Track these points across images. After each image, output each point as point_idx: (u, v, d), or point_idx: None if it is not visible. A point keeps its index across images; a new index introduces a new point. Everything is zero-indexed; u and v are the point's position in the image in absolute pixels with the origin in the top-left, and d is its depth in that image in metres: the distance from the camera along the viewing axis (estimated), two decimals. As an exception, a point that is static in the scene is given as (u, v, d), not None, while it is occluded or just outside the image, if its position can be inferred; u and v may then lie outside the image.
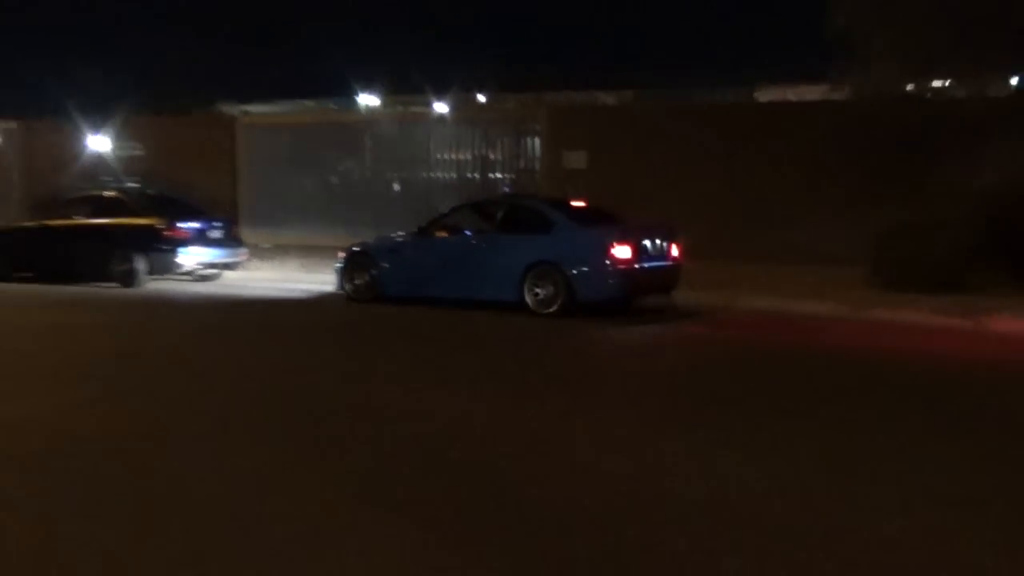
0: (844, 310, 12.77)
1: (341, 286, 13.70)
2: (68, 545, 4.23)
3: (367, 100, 26.80)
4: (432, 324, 11.82)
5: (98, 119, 23.96)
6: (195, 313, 13.18)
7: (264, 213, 22.25)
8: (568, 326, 11.40)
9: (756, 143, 18.24)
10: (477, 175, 21.15)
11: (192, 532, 4.38)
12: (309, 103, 27.14)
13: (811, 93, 19.30)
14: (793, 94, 25.43)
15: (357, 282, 13.55)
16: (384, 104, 24.78)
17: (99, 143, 23.73)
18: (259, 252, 19.58)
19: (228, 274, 16.49)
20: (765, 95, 26.26)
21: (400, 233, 14.02)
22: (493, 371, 8.82)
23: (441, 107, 22.65)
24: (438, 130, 21.36)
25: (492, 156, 21.10)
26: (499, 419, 6.75)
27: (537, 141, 20.57)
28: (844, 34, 14.98)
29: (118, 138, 23.71)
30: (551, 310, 11.93)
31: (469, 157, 21.19)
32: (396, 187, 21.68)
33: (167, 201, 16.59)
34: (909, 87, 15.87)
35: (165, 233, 15.15)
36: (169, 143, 23.00)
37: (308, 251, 19.44)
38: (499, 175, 21.04)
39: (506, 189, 20.84)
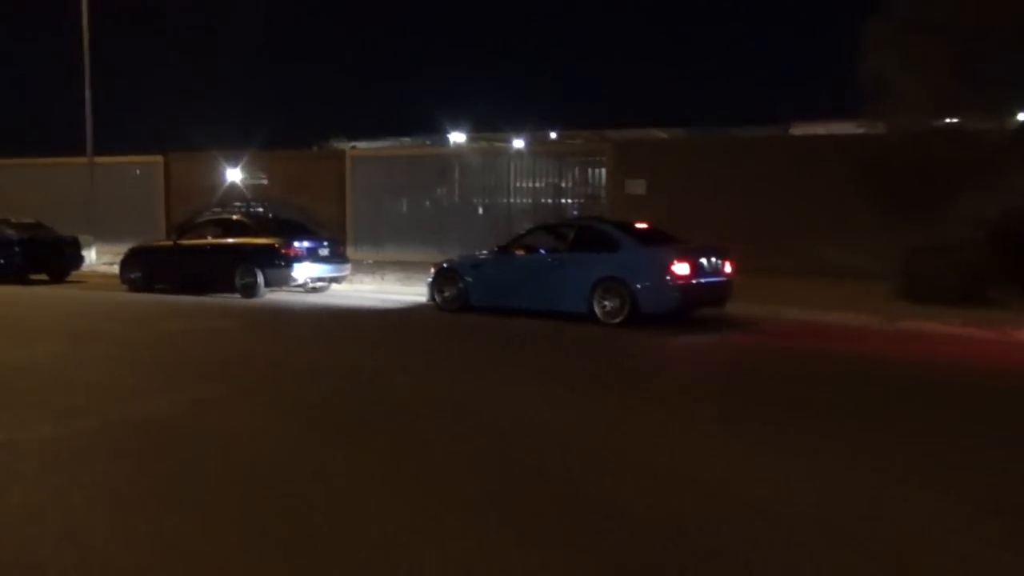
0: (878, 320, 12.12)
1: (432, 297, 13.44)
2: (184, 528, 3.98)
3: (455, 136, 26.64)
4: (511, 332, 11.46)
5: (229, 153, 24.24)
6: (306, 320, 13.04)
7: (368, 233, 22.21)
8: (632, 335, 10.95)
9: (793, 172, 17.64)
10: (550, 201, 20.80)
11: (295, 519, 4.10)
12: (407, 139, 27.17)
13: (841, 128, 18.52)
14: (824, 129, 24.51)
15: (446, 294, 13.27)
16: (470, 140, 24.56)
17: (230, 174, 23.97)
18: (363, 267, 19.50)
19: (335, 286, 16.35)
20: (799, 130, 25.40)
21: (483, 251, 13.76)
22: (567, 374, 8.43)
23: (519, 142, 22.36)
24: (516, 161, 21.08)
25: (563, 184, 20.73)
26: (574, 421, 6.38)
27: (602, 171, 20.15)
28: (876, 76, 14.43)
29: (246, 170, 23.91)
30: (617, 320, 11.50)
31: (543, 185, 20.85)
32: (480, 211, 21.42)
33: (284, 224, 16.58)
34: (932, 123, 15.11)
35: (282, 251, 15.06)
36: (289, 174, 23.15)
37: (405, 266, 19.29)
38: (569, 201, 20.65)
39: (575, 213, 20.47)
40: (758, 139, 19.19)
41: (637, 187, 19.13)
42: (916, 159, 14.47)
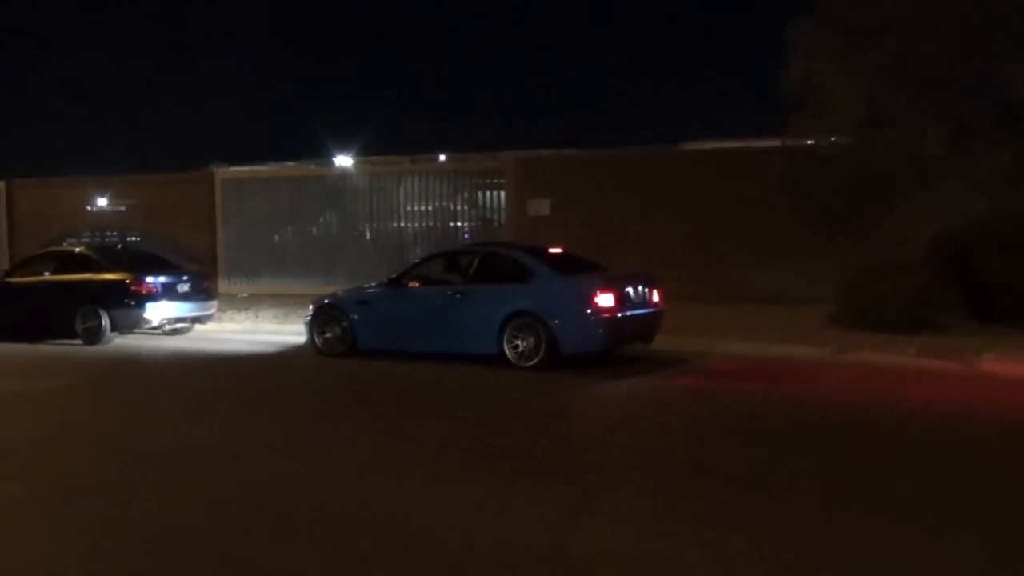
0: (825, 353, 10.68)
1: (311, 340, 11.33)
2: None
3: (342, 160, 24.32)
4: (402, 383, 9.49)
5: (89, 178, 21.42)
6: (153, 373, 10.74)
7: (242, 265, 19.78)
8: (552, 382, 9.15)
9: (711, 189, 16.27)
10: (442, 224, 18.85)
11: None
12: (291, 163, 24.70)
13: (755, 143, 17.27)
14: (736, 144, 23.43)
15: (327, 336, 11.20)
16: (357, 162, 22.21)
17: (85, 201, 21.14)
18: (235, 303, 17.13)
19: (199, 327, 13.99)
20: (708, 145, 24.26)
21: (371, 285, 11.69)
22: (469, 445, 6.52)
23: (410, 164, 20.30)
24: (407, 183, 19.08)
25: (457, 207, 18.83)
26: (485, 516, 4.48)
27: (500, 193, 18.37)
28: (803, 82, 13.18)
29: (104, 196, 21.13)
30: (533, 363, 9.70)
31: (436, 207, 18.89)
32: (368, 237, 19.29)
33: (137, 256, 14.20)
34: (866, 133, 13.93)
35: (132, 288, 12.67)
36: (155, 200, 20.51)
37: (284, 301, 17.02)
38: (464, 223, 18.77)
39: (467, 236, 18.60)
40: (671, 154, 17.69)
41: (541, 208, 17.44)
42: (847, 172, 13.26)
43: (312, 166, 23.50)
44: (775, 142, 15.07)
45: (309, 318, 11.39)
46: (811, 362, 10.34)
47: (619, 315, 9.70)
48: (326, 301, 11.40)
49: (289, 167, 19.78)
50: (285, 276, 19.36)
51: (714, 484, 5.32)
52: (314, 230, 19.68)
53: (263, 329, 14.33)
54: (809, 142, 14.15)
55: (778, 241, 15.37)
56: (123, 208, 21.16)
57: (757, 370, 9.96)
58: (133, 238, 20.14)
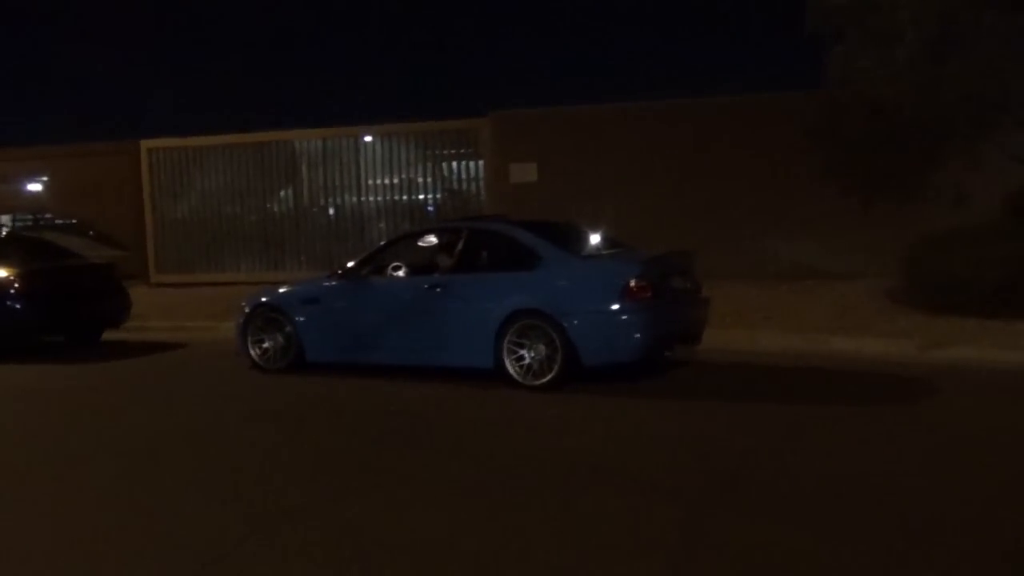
0: (910, 348, 8.21)
1: (244, 349, 8.57)
2: None
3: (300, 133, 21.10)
4: (353, 417, 6.78)
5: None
6: (29, 403, 7.92)
7: (174, 250, 16.84)
8: (578, 406, 6.53)
9: (726, 147, 13.68)
10: (411, 196, 16.08)
11: None
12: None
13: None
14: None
15: (266, 345, 8.47)
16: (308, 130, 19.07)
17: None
18: (161, 297, 14.29)
19: (110, 332, 11.13)
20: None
21: (322, 276, 8.86)
22: (474, 550, 3.86)
23: (371, 128, 17.35)
24: (368, 151, 16.23)
25: (428, 177, 16.06)
26: None
27: (479, 163, 15.64)
28: (845, 11, 10.65)
29: (10, 172, 18.03)
30: (544, 380, 7.06)
31: (404, 178, 16.09)
32: (331, 213, 16.46)
33: (27, 246, 11.27)
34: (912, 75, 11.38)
35: (13, 289, 9.79)
36: (73, 176, 17.47)
37: (223, 293, 14.20)
38: (435, 195, 16.02)
39: (430, 210, 15.89)
40: (677, 108, 14.78)
41: (526, 173, 14.74)
42: (899, 119, 10.72)
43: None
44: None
45: (241, 322, 8.63)
46: (902, 361, 7.82)
47: (660, 310, 7.06)
48: (263, 300, 8.64)
49: (229, 136, 16.79)
50: (226, 263, 16.50)
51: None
52: (260, 208, 16.77)
53: (193, 327, 11.53)
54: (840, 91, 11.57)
55: (805, 206, 12.96)
56: (38, 187, 18.11)
57: (831, 377, 7.40)
58: (62, 222, 17.13)
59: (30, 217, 17.64)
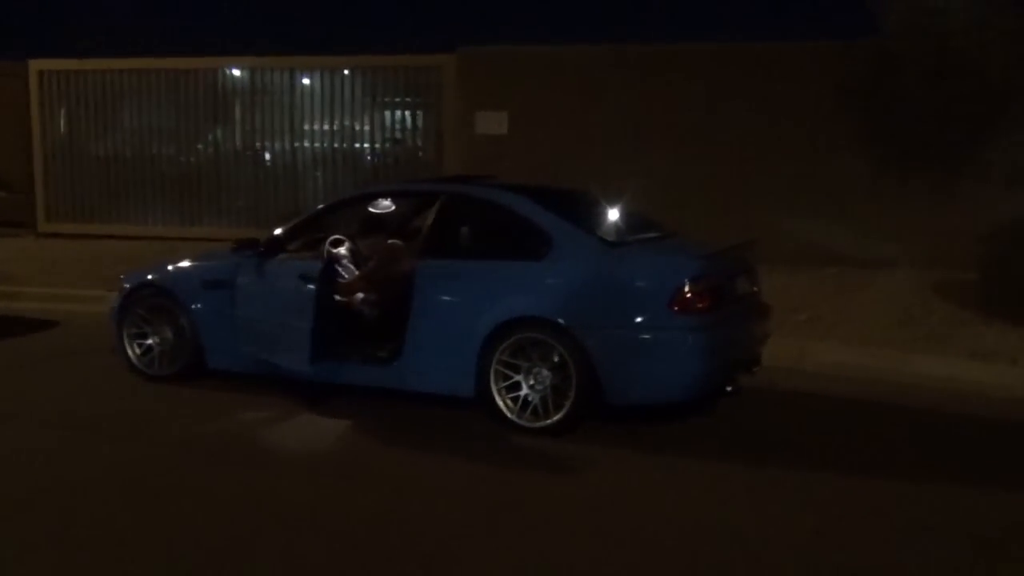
0: (1018, 375, 6.21)
1: (121, 349, 6.13)
2: None
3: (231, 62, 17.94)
4: (290, 461, 4.51)
5: None
6: None
7: (69, 197, 14.05)
8: (594, 476, 4.32)
9: (738, 105, 11.49)
10: (352, 145, 13.51)
11: None
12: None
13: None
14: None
15: (149, 342, 6.05)
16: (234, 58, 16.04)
17: None
18: (46, 251, 11.66)
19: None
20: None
21: (232, 250, 6.09)
22: None
23: (311, 59, 14.63)
24: (306, 87, 13.61)
25: (375, 122, 13.50)
26: None
27: (432, 106, 13.15)
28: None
29: None
30: (547, 422, 4.83)
31: (347, 123, 13.51)
32: (267, 157, 13.80)
33: None
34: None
35: None
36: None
37: (128, 250, 11.62)
38: (381, 145, 13.49)
39: (374, 159, 13.37)
40: (681, 53, 12.20)
41: (495, 123, 12.33)
42: (953, 77, 8.70)
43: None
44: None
45: (116, 307, 6.18)
46: (1015, 395, 5.82)
47: (725, 328, 4.85)
48: (148, 278, 6.19)
49: (139, 60, 13.98)
50: (132, 213, 13.80)
51: None
52: (176, 149, 14.03)
53: (79, 297, 8.99)
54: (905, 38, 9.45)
55: (829, 179, 10.95)
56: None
57: (932, 422, 5.32)
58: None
59: None
